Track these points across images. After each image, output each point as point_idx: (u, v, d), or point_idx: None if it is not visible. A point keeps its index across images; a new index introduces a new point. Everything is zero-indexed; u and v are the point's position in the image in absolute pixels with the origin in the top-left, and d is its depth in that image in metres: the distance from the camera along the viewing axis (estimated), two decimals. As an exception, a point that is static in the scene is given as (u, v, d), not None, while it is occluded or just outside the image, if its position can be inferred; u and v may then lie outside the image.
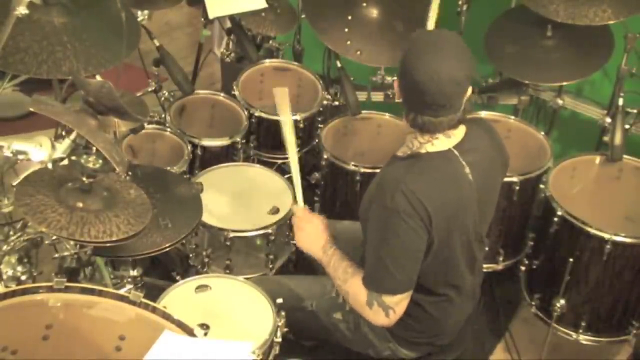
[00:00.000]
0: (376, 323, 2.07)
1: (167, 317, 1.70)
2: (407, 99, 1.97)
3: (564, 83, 3.12)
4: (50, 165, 1.97)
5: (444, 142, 2.00)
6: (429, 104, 1.91)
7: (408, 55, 1.93)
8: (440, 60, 1.89)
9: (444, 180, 1.99)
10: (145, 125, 2.78)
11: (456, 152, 2.01)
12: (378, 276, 2.00)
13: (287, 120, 2.32)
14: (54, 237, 2.04)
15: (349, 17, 2.97)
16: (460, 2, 3.14)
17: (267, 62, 3.32)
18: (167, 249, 2.18)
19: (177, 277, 2.65)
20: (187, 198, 2.40)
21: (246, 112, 3.03)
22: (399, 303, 2.01)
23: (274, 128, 3.06)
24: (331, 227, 2.57)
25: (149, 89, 3.11)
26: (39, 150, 1.97)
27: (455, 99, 1.93)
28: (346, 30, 2.93)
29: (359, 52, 2.92)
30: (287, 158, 3.07)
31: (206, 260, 2.62)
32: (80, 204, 1.85)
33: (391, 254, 1.96)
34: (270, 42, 3.61)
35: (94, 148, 1.94)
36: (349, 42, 2.92)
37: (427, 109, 1.93)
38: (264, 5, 3.02)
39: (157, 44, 3.00)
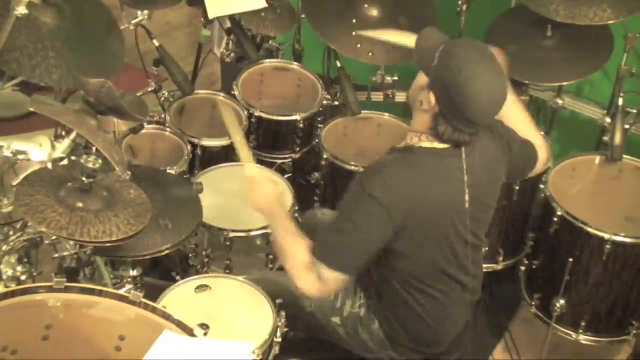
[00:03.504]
0: (303, 289, 2.02)
1: (167, 317, 1.70)
2: (445, 106, 1.91)
3: (564, 83, 3.12)
4: (50, 165, 1.97)
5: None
6: (469, 119, 1.90)
7: (459, 64, 1.86)
8: (495, 79, 1.89)
9: (430, 177, 1.97)
10: (145, 125, 2.78)
11: (462, 153, 1.98)
12: (329, 247, 1.98)
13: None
14: (54, 237, 2.04)
15: (354, 21, 2.98)
16: (460, 2, 3.13)
17: (267, 62, 3.32)
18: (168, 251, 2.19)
19: (177, 277, 2.65)
20: (187, 198, 2.39)
21: (246, 112, 3.03)
22: (334, 280, 1.98)
23: (274, 128, 3.06)
24: (313, 215, 2.58)
25: (149, 89, 3.10)
26: (39, 150, 1.97)
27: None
28: (354, 34, 2.94)
29: (371, 54, 2.93)
30: (287, 158, 3.11)
31: (206, 260, 2.62)
32: (80, 204, 1.84)
33: (350, 232, 1.95)
34: (270, 42, 3.60)
35: (94, 148, 1.94)
36: (359, 46, 2.93)
37: (463, 124, 1.91)
38: (264, 5, 3.02)
39: (157, 44, 2.99)
